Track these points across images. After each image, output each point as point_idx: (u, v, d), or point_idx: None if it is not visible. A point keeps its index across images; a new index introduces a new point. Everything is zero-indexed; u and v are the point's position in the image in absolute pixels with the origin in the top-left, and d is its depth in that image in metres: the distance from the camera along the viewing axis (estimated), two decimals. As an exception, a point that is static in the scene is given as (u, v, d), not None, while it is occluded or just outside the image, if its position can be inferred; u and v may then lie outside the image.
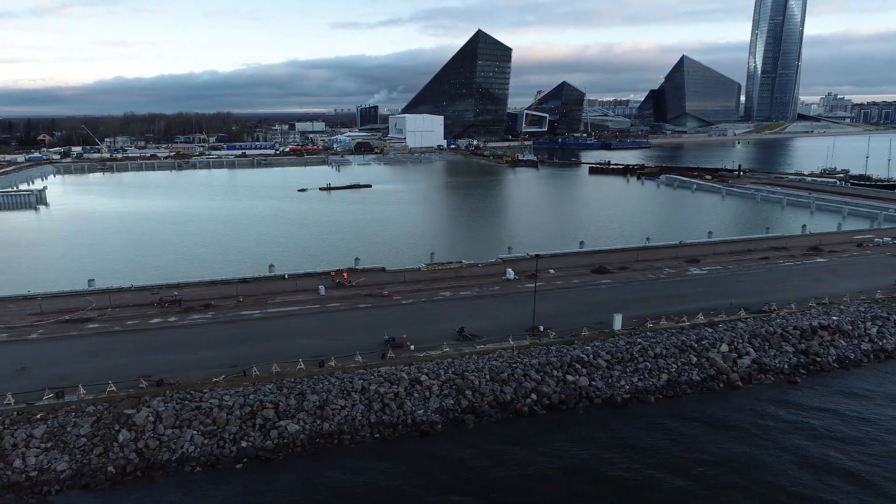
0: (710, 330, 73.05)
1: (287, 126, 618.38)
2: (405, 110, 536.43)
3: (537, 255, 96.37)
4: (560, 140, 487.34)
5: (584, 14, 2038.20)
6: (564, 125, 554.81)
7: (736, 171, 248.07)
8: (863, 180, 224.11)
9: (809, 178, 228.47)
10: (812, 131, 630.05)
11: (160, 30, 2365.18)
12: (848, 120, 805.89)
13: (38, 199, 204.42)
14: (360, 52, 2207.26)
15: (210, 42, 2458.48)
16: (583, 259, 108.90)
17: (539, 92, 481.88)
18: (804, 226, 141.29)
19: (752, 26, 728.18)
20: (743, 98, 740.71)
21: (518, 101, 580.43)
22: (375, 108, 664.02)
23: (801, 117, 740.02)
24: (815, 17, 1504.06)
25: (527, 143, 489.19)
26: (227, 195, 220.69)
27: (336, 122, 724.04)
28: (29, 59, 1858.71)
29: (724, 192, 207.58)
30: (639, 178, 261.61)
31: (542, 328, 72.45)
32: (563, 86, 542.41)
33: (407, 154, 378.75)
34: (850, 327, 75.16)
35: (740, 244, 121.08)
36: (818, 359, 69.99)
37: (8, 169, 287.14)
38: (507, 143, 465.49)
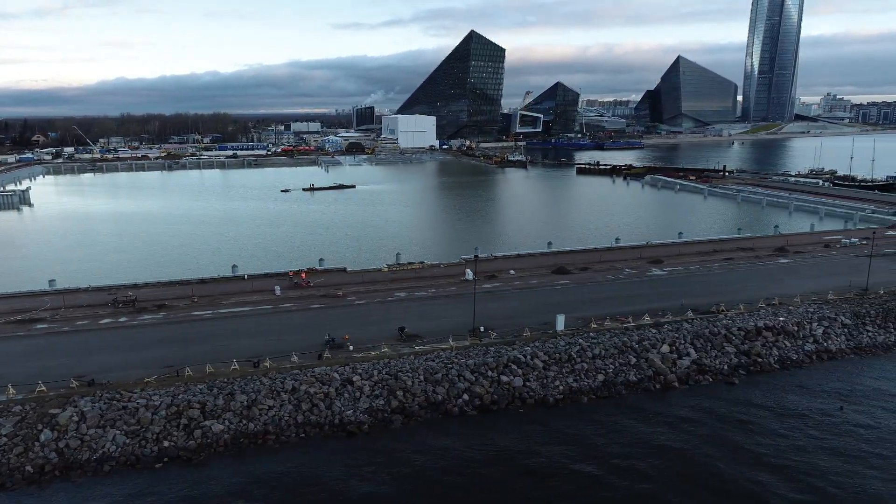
0: (654, 331, 73.08)
1: (283, 126, 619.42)
2: (400, 111, 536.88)
3: (476, 256, 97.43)
4: (553, 140, 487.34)
5: (586, 14, 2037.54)
6: (559, 125, 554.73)
7: (720, 171, 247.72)
8: (847, 181, 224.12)
9: (793, 179, 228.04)
10: (808, 132, 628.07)
11: (162, 30, 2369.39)
12: (847, 120, 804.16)
13: (21, 200, 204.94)
14: (362, 52, 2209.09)
15: (212, 43, 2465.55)
16: (546, 260, 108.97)
17: (528, 92, 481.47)
18: (776, 226, 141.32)
19: (749, 26, 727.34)
20: (740, 98, 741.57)
21: (516, 101, 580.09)
22: (371, 108, 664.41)
23: (799, 118, 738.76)
24: (816, 17, 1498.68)
25: (520, 143, 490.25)
26: (210, 196, 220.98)
27: (333, 122, 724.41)
28: (31, 60, 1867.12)
29: (707, 193, 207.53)
30: (625, 178, 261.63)
31: (482, 329, 72.58)
32: (558, 86, 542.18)
33: (398, 154, 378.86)
34: (796, 328, 75.12)
35: (707, 245, 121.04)
36: (759, 360, 70.01)
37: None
38: (500, 144, 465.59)
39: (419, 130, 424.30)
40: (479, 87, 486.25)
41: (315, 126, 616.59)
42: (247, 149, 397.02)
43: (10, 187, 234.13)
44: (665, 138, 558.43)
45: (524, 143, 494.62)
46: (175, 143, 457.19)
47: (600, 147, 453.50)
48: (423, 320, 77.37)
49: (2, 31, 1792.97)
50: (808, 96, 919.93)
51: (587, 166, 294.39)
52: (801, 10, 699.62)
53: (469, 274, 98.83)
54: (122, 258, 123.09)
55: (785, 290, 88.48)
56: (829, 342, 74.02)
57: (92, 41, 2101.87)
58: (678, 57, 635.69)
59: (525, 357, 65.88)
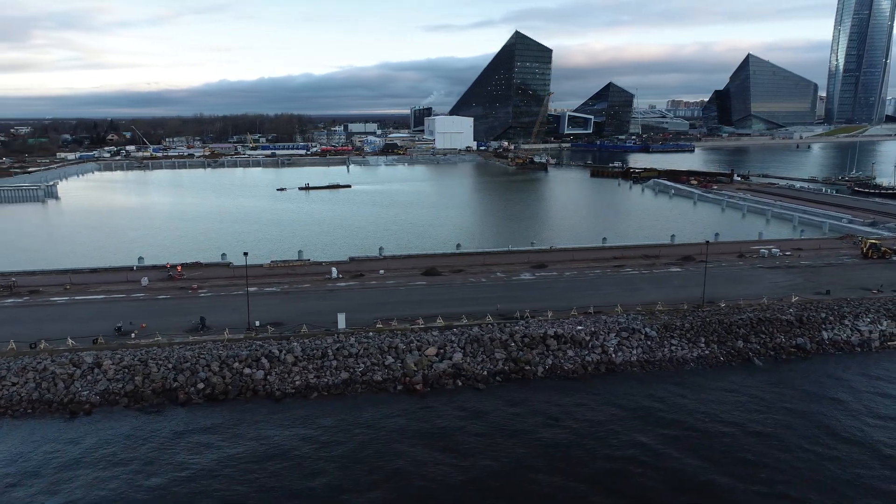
0: (436, 333, 73.37)
1: (342, 126, 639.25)
2: (452, 112, 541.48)
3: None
4: (599, 143, 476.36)
5: (682, 12, 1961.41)
6: (613, 127, 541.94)
7: (729, 175, 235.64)
8: (866, 187, 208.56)
9: (798, 185, 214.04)
10: (894, 134, 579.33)
11: (261, 36, 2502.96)
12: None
13: (47, 193, 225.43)
14: (451, 53, 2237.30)
15: (307, 46, 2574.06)
16: (427, 261, 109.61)
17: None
18: (717, 234, 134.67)
19: (835, 22, 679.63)
20: (823, 99, 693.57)
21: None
22: (430, 109, 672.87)
23: (890, 119, 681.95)
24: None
25: (564, 145, 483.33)
26: (209, 192, 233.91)
27: (393, 123, 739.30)
28: (145, 65, 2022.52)
29: (697, 198, 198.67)
30: (636, 181, 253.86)
31: (258, 323, 75.55)
32: (610, 87, 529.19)
33: (429, 155, 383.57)
34: (588, 337, 73.11)
35: (614, 251, 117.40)
36: (527, 367, 68.91)
37: (52, 166, 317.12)
38: (543, 145, 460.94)
39: (457, 131, 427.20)
40: (525, 87, 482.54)
41: (371, 127, 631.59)
42: (288, 149, 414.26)
43: (61, 182, 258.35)
44: (726, 141, 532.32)
45: (569, 144, 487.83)
46: (233, 142, 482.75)
47: (646, 150, 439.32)
48: (238, 314, 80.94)
49: (121, 37, 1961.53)
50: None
51: (599, 168, 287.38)
52: (895, 3, 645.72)
53: (335, 272, 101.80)
54: (72, 246, 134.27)
55: (631, 299, 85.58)
56: (619, 354, 71.53)
57: (199, 46, 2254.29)
58: (748, 55, 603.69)
59: (280, 352, 68.37)
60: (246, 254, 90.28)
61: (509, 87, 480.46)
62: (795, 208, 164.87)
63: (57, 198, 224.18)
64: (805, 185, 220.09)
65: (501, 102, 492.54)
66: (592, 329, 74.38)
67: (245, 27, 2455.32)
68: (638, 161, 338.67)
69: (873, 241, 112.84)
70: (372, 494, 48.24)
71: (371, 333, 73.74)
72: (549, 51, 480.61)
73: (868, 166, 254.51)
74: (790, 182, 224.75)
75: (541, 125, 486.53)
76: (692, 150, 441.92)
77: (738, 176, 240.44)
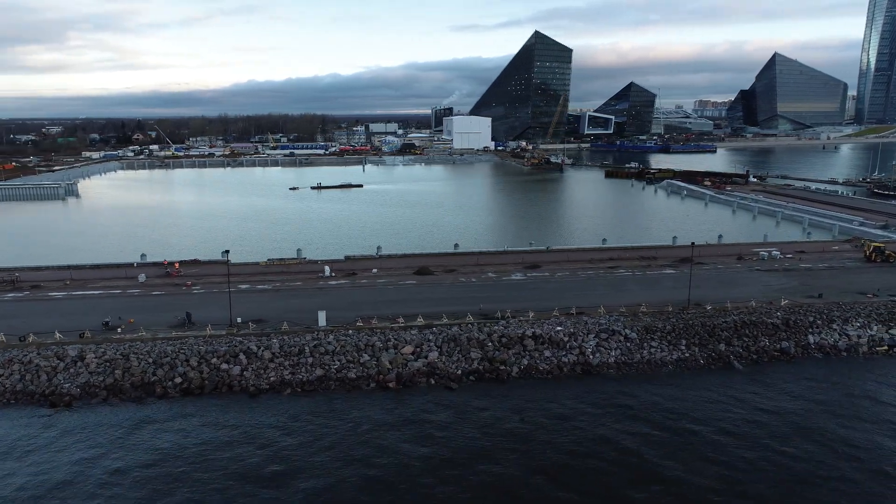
0: (414, 332, 73.83)
1: (363, 126, 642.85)
2: (472, 112, 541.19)
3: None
4: (618, 143, 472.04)
5: (713, 11, 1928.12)
6: (634, 127, 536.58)
7: (744, 176, 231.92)
8: (885, 189, 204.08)
9: (814, 187, 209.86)
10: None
11: (289, 37, 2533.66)
12: None
13: (68, 191, 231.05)
14: (477, 53, 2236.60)
15: (334, 47, 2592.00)
16: (417, 261, 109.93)
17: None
18: (720, 236, 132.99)
19: (867, 21, 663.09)
20: (855, 98, 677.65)
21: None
22: (451, 109, 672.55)
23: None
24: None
25: (584, 145, 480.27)
26: (227, 191, 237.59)
27: (414, 123, 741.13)
28: (176, 65, 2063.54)
29: (708, 200, 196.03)
30: (649, 182, 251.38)
31: (239, 320, 76.78)
32: (631, 87, 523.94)
33: (446, 155, 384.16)
34: (567, 338, 72.90)
35: (611, 252, 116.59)
36: (502, 367, 69.00)
37: (77, 165, 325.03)
38: (562, 146, 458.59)
39: (474, 131, 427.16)
40: (545, 87, 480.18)
41: (392, 127, 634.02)
42: (307, 149, 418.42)
43: (82, 181, 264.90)
44: (749, 141, 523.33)
45: (589, 144, 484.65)
46: (254, 142, 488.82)
47: (667, 150, 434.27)
48: (224, 311, 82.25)
49: (153, 39, 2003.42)
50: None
51: (614, 169, 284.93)
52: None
53: (327, 270, 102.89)
54: (82, 242, 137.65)
55: (618, 300, 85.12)
56: (596, 356, 71.18)
57: (228, 47, 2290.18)
58: (774, 54, 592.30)
59: (258, 349, 69.47)
60: (227, 251, 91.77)
61: (529, 87, 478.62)
62: (807, 210, 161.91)
63: (77, 196, 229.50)
64: (823, 186, 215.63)
65: (521, 102, 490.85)
66: (572, 330, 74.13)
67: (274, 28, 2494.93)
68: (662, 162, 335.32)
69: (878, 244, 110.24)
70: (318, 481, 48.89)
71: (350, 331, 74.46)
72: (570, 50, 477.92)
73: (891, 167, 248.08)
74: (806, 183, 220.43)
75: (557, 125, 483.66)
76: (714, 151, 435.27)
77: (753, 177, 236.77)
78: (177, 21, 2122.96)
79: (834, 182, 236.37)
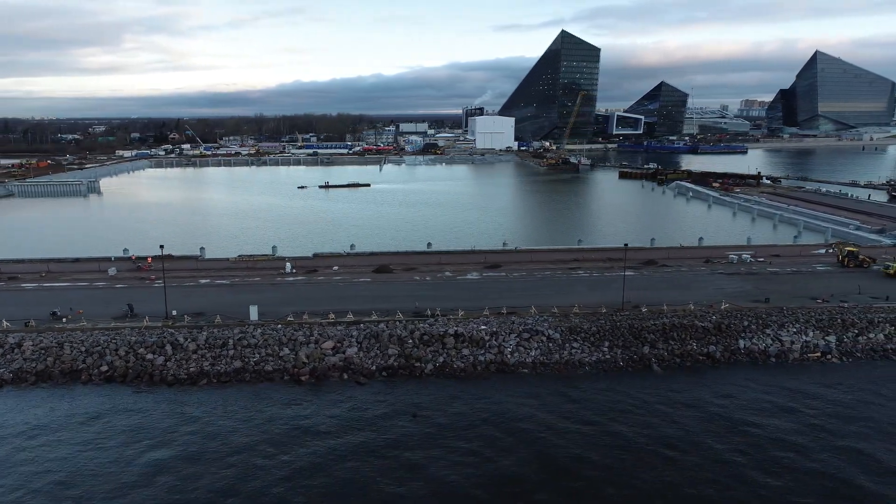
0: (340, 328, 75.48)
1: (395, 126, 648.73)
2: (501, 111, 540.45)
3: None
4: (646, 143, 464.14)
5: (763, 8, 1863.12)
6: (666, 127, 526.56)
7: (756, 178, 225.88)
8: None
9: (825, 189, 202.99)
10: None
11: (333, 37, 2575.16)
12: None
13: (90, 189, 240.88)
14: (520, 53, 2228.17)
15: (377, 47, 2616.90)
16: (382, 259, 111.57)
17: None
18: (701, 238, 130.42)
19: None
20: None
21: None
22: (481, 109, 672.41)
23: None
24: None
25: (611, 145, 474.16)
26: (241, 189, 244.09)
27: (449, 122, 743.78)
28: (224, 66, 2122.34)
29: (712, 201, 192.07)
30: (660, 183, 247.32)
31: (174, 313, 79.68)
32: (662, 86, 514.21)
33: (466, 155, 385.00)
34: (488, 337, 73.43)
35: (578, 253, 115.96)
36: (416, 364, 70.08)
37: (108, 163, 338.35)
38: (588, 146, 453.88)
39: (497, 131, 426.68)
40: (572, 87, 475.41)
41: (423, 126, 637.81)
42: (330, 148, 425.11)
43: (105, 179, 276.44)
44: (786, 142, 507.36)
45: (616, 145, 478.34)
46: (284, 141, 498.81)
47: (695, 151, 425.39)
48: (171, 304, 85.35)
49: (203, 40, 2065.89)
50: None
51: (629, 170, 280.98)
52: None
53: (288, 267, 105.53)
54: (79, 236, 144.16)
55: (562, 300, 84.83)
56: (515, 355, 71.52)
57: (275, 48, 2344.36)
58: (815, 52, 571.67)
59: (184, 340, 72.24)
60: (162, 246, 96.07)
61: (556, 87, 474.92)
62: (803, 212, 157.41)
63: (99, 193, 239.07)
64: (838, 189, 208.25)
65: (549, 102, 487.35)
66: (495, 329, 74.64)
67: (319, 29, 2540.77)
68: (690, 163, 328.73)
69: (851, 248, 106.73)
70: (193, 469, 51.01)
71: (279, 326, 76.65)
72: (597, 50, 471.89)
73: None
74: (818, 185, 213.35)
75: (582, 125, 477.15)
76: (744, 152, 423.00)
77: (767, 178, 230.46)
78: (225, 23, 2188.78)
79: (855, 184, 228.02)
